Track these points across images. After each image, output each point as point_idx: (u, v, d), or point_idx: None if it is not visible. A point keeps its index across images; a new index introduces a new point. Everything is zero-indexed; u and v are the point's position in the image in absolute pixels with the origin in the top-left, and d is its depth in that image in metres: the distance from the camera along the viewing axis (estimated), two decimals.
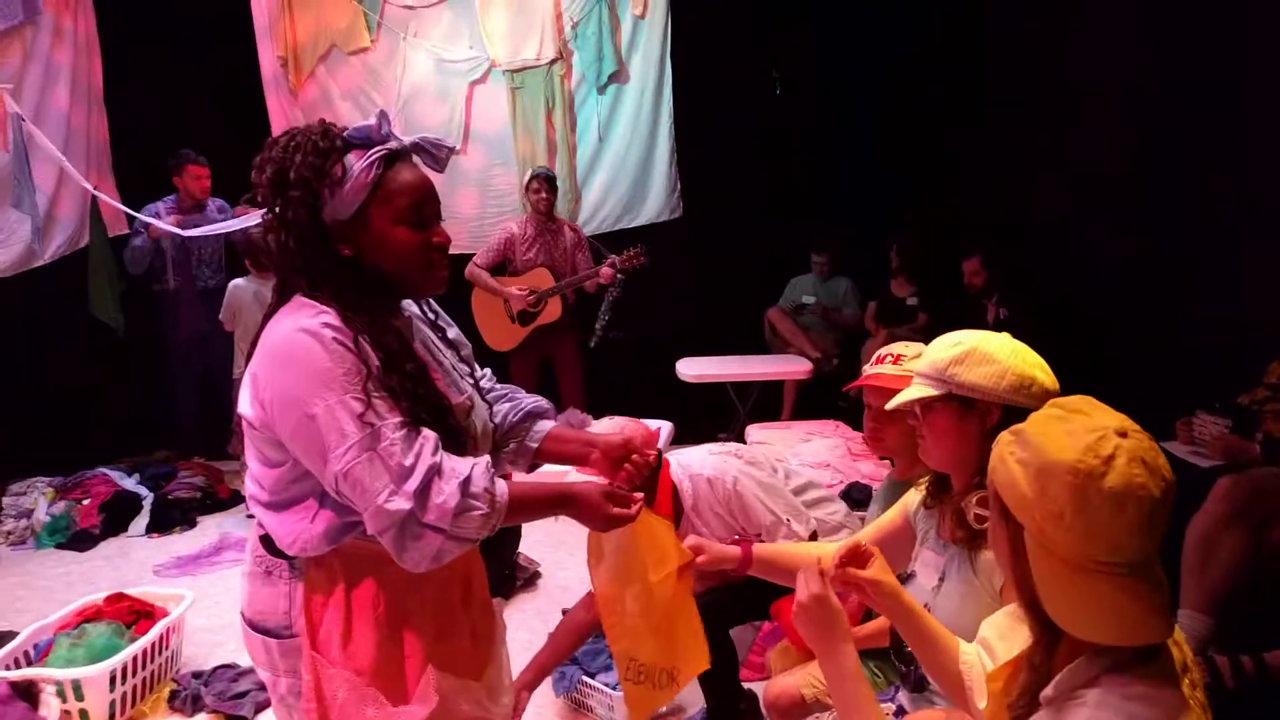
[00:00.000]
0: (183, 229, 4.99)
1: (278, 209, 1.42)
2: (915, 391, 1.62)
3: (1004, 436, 1.14)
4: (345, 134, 1.42)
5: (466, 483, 1.33)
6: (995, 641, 1.37)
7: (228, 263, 5.38)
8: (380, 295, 1.46)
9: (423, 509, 1.29)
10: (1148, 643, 1.05)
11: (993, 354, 1.54)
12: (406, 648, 1.47)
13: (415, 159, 1.48)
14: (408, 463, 1.30)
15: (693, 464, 2.60)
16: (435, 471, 1.31)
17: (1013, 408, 1.51)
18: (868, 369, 2.10)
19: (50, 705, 0.95)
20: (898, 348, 2.08)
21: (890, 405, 1.69)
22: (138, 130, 5.52)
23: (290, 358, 1.35)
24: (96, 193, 5.10)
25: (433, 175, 1.51)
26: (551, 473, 2.25)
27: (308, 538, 1.41)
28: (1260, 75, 3.42)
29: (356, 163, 1.40)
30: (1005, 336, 1.59)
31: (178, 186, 5.18)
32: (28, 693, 0.93)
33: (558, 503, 1.47)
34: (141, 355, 5.58)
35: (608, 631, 1.82)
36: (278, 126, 5.82)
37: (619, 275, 4.89)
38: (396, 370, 1.38)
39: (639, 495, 1.52)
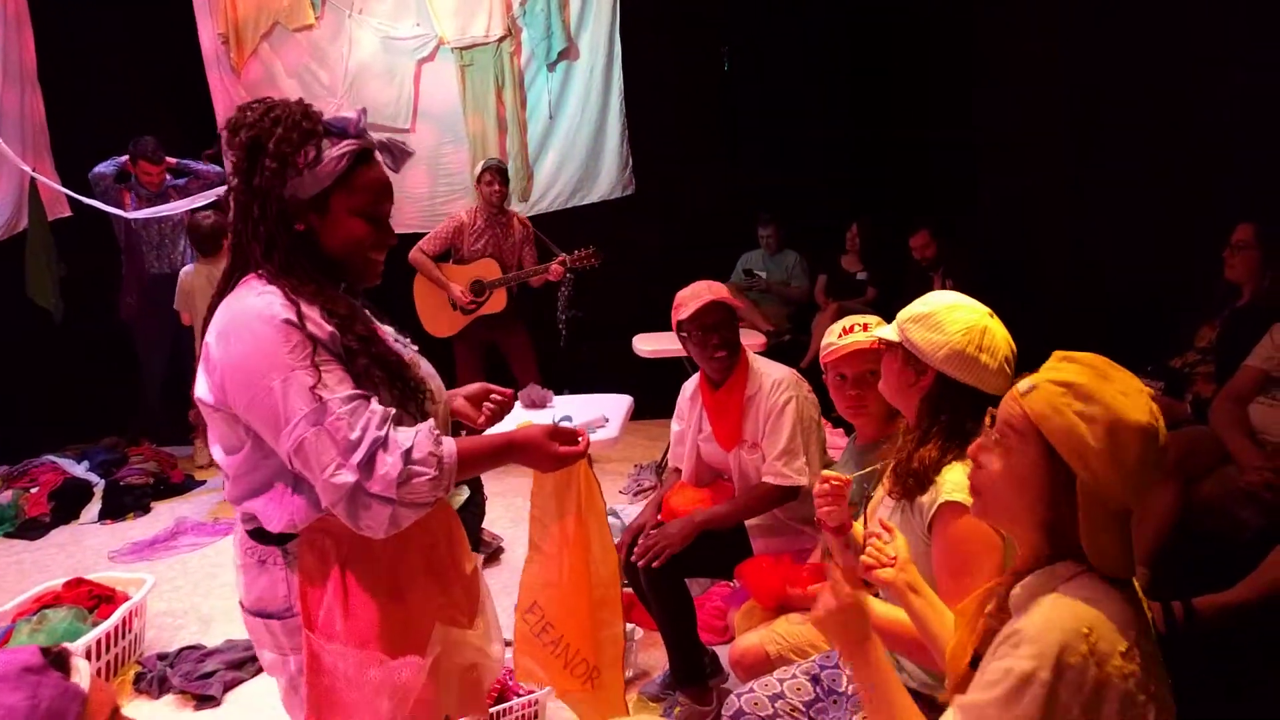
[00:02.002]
0: (129, 211, 4.90)
1: (245, 174, 1.45)
2: (885, 330, 1.79)
3: (1051, 388, 1.21)
4: (326, 120, 1.48)
5: (409, 451, 1.36)
6: None
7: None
8: (326, 271, 1.51)
9: (368, 480, 1.33)
10: (1128, 576, 1.20)
11: (945, 324, 1.66)
12: (408, 612, 1.52)
13: (377, 156, 1.55)
14: (354, 436, 1.33)
15: (769, 364, 2.69)
16: (380, 444, 1.35)
17: (949, 377, 1.65)
18: (843, 340, 2.17)
19: (80, 670, 0.98)
20: (861, 318, 2.18)
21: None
22: (76, 110, 5.38)
23: (239, 337, 1.38)
24: (35, 174, 4.97)
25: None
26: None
27: (294, 509, 1.44)
28: (1193, 61, 3.57)
29: (330, 149, 1.46)
30: (979, 314, 1.68)
31: (130, 172, 5.08)
32: (60, 661, 0.96)
33: (504, 451, 1.51)
34: (84, 340, 5.47)
35: (540, 589, 1.86)
36: (220, 105, 5.70)
37: (568, 274, 4.91)
38: (350, 332, 1.44)
39: (585, 431, 1.58)
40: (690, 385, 2.85)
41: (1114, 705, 1.12)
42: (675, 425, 2.91)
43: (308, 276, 1.46)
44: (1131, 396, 1.18)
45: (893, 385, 1.79)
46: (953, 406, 1.68)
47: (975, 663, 1.27)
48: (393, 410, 1.41)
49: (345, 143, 1.46)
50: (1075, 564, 1.20)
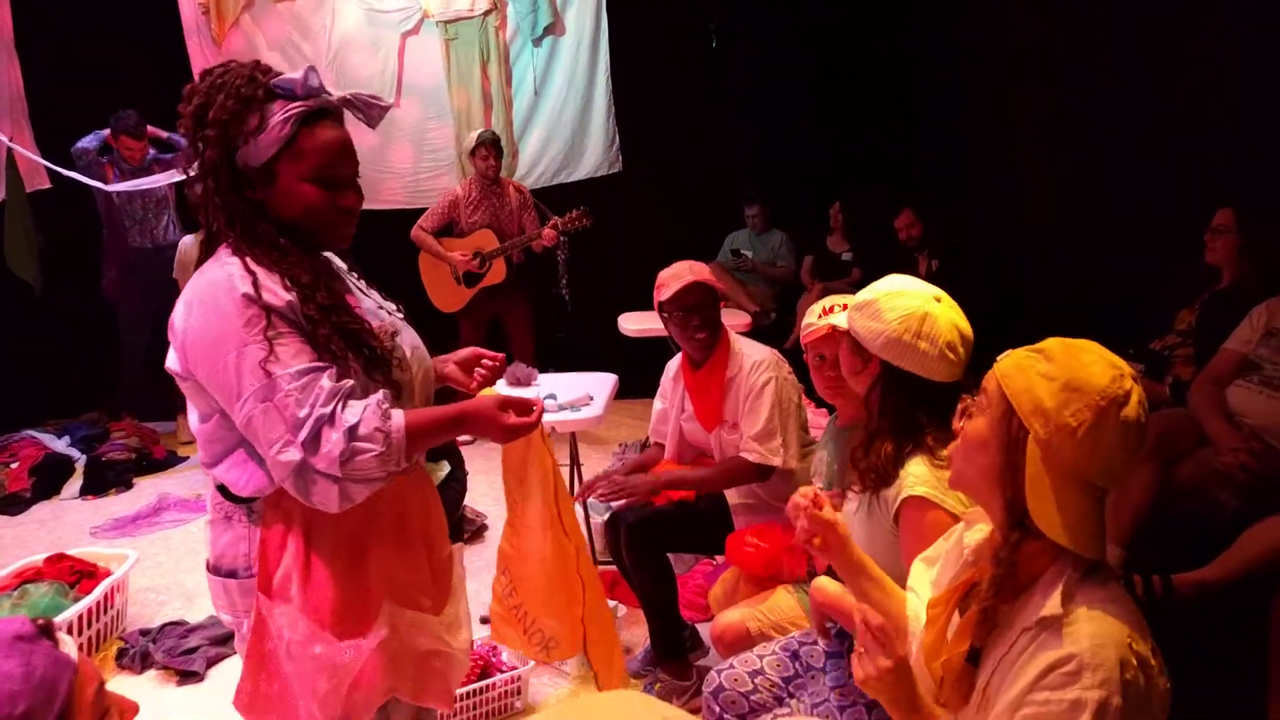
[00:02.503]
0: (110, 185, 4.85)
1: (199, 145, 1.44)
2: (838, 317, 1.82)
3: (1021, 351, 1.23)
4: (272, 83, 1.42)
5: (355, 428, 1.34)
6: (923, 590, 1.48)
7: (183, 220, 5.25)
8: (292, 235, 1.49)
9: (314, 457, 1.33)
10: (1091, 556, 1.18)
11: (884, 312, 1.68)
12: (366, 584, 1.52)
13: (346, 114, 1.50)
14: (301, 414, 1.33)
15: (750, 344, 2.70)
16: (326, 420, 1.33)
17: (892, 365, 1.67)
18: (822, 321, 2.16)
19: (66, 642, 0.98)
20: (843, 299, 2.17)
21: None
22: (54, 80, 5.29)
23: (200, 310, 1.39)
24: (11, 145, 4.90)
25: (366, 130, 1.53)
26: None
27: (259, 477, 1.44)
28: (1177, 45, 3.58)
29: (275, 115, 1.41)
30: (921, 300, 1.68)
31: (112, 145, 5.02)
32: (48, 631, 0.96)
33: (455, 421, 1.47)
34: (64, 314, 5.41)
35: (509, 557, 1.85)
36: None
37: (561, 237, 4.90)
38: (310, 300, 1.42)
39: (539, 400, 1.53)
40: (674, 364, 2.86)
41: (1161, 701, 1.14)
42: (658, 403, 2.93)
43: (271, 244, 1.44)
44: (1099, 365, 1.18)
45: (846, 372, 1.81)
46: (898, 395, 1.68)
47: (974, 657, 1.26)
48: (347, 383, 1.38)
49: (290, 106, 1.41)
50: (1056, 554, 1.19)
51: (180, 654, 3.01)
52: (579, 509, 3.69)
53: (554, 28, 5.77)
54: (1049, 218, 4.53)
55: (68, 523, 4.33)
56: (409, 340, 1.61)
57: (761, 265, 5.99)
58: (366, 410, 1.36)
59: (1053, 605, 1.16)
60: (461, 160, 5.63)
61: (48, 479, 4.66)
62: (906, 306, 1.66)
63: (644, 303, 5.28)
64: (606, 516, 3.00)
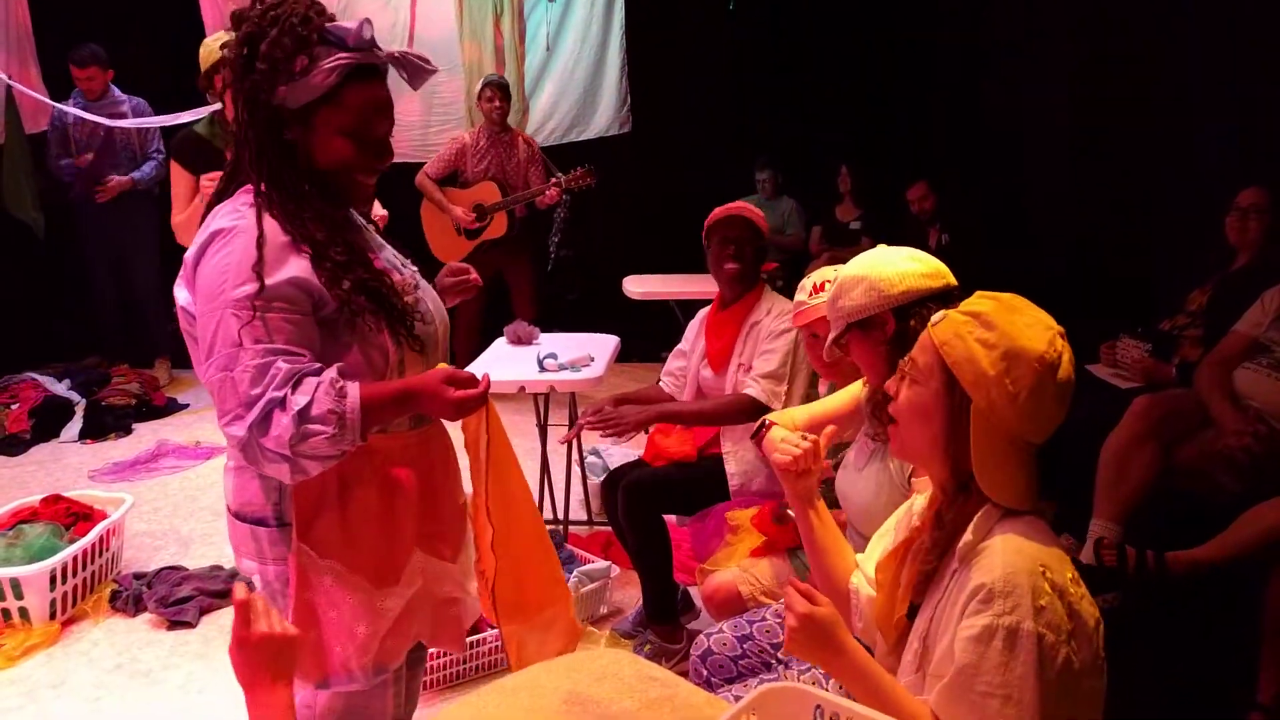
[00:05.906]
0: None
1: (238, 72, 1.40)
2: (831, 336, 1.74)
3: (958, 316, 1.23)
4: (327, 26, 1.39)
5: (306, 410, 1.31)
6: (870, 563, 1.47)
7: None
8: (317, 183, 1.47)
9: (263, 437, 1.31)
10: (1029, 509, 1.22)
11: (857, 274, 1.66)
12: (400, 532, 1.52)
13: (392, 72, 1.48)
14: (254, 392, 1.31)
15: (782, 298, 2.71)
16: (277, 404, 1.31)
17: (901, 308, 1.62)
18: (814, 300, 2.14)
19: None
20: (827, 272, 2.15)
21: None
22: (62, 22, 5.22)
23: (206, 258, 1.38)
24: (12, 83, 4.84)
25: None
26: None
27: None
28: (1204, 22, 3.50)
29: (323, 62, 1.38)
30: (868, 253, 1.69)
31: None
32: None
33: (403, 399, 1.42)
34: (65, 257, 5.39)
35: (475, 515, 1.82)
36: (210, 22, 5.52)
37: (564, 195, 4.84)
38: (324, 257, 1.39)
39: (485, 376, 1.47)
40: (702, 312, 2.87)
41: (1084, 629, 1.15)
42: (681, 346, 2.93)
43: (292, 191, 1.42)
44: (1035, 329, 1.20)
45: (874, 363, 1.68)
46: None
47: (912, 613, 1.28)
48: (304, 366, 1.34)
49: (339, 56, 1.38)
50: (980, 503, 1.21)
51: (172, 604, 3.00)
52: (576, 469, 3.69)
53: None
54: (1061, 195, 4.47)
55: (66, 465, 4.34)
56: (428, 294, 1.60)
57: (771, 233, 5.92)
58: (319, 390, 1.32)
59: (966, 536, 1.20)
60: (470, 114, 5.56)
61: (47, 421, 4.67)
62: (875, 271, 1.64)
63: (649, 265, 5.28)
64: (604, 477, 2.99)
